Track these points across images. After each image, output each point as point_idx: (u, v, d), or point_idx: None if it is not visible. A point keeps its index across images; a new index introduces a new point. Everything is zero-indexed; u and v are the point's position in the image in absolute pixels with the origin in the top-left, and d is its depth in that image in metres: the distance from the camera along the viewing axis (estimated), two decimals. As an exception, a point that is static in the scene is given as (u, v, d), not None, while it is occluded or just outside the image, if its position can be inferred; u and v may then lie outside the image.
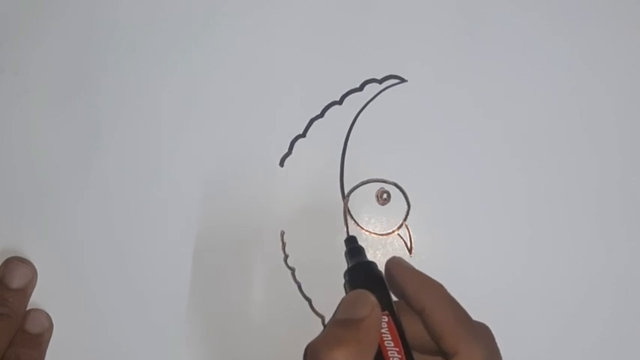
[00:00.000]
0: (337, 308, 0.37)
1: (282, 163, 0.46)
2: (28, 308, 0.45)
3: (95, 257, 0.46)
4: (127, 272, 0.46)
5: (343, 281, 0.43)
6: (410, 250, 0.46)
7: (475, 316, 0.45)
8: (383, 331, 0.36)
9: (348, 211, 0.46)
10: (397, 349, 0.35)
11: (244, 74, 0.47)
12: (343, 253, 0.44)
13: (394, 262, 0.39)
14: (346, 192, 0.47)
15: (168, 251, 0.46)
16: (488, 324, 0.45)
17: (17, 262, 0.45)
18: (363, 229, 0.46)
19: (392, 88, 0.47)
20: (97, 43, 0.48)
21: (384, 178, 0.47)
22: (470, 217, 0.47)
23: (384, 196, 0.47)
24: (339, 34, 0.48)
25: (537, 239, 0.47)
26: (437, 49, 0.48)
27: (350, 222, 0.46)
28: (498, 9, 0.48)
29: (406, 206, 0.47)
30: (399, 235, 0.46)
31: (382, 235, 0.46)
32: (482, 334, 0.37)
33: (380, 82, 0.47)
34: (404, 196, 0.47)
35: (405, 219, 0.47)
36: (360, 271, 0.40)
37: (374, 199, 0.47)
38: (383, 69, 0.47)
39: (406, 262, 0.40)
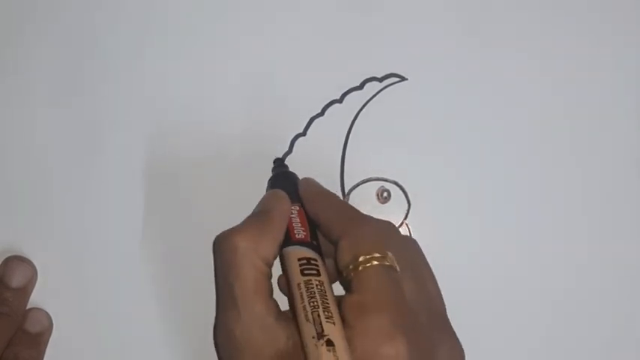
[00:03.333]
0: None
1: (282, 162, 0.47)
2: (27, 307, 0.45)
3: (96, 256, 0.46)
4: (128, 271, 0.46)
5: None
6: (410, 249, 0.46)
7: (475, 314, 0.46)
8: (293, 216, 0.39)
9: (349, 209, 0.46)
10: (303, 229, 0.39)
11: (244, 73, 0.47)
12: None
13: (302, 180, 0.42)
14: (346, 190, 0.47)
15: (169, 250, 0.46)
16: (488, 322, 0.46)
17: (17, 261, 0.45)
18: (363, 227, 0.46)
19: (392, 86, 0.47)
20: (97, 42, 0.48)
21: (385, 176, 0.47)
22: (470, 216, 0.47)
23: (385, 194, 0.47)
24: (339, 33, 0.48)
25: (538, 238, 0.47)
26: (437, 48, 0.48)
27: (350, 220, 0.46)
28: (499, 7, 0.48)
29: (406, 205, 0.47)
30: (399, 233, 0.46)
31: (382, 233, 0.46)
32: (371, 219, 0.38)
33: (380, 80, 0.47)
34: (404, 194, 0.47)
35: (405, 217, 0.47)
36: (278, 177, 0.44)
37: (374, 197, 0.47)
38: (383, 67, 0.47)
39: (314, 181, 0.42)
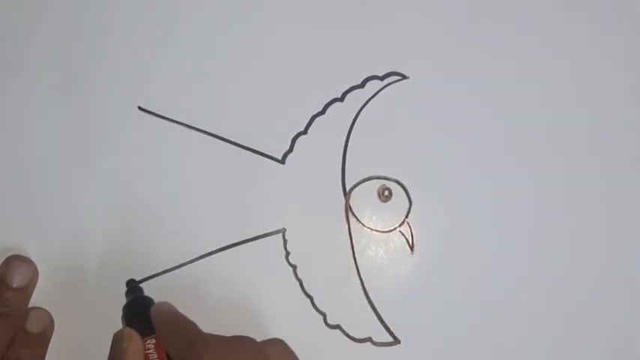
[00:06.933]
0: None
1: (283, 160, 0.46)
2: (29, 306, 0.45)
3: (95, 256, 0.46)
4: (127, 270, 0.46)
5: (344, 279, 0.43)
6: (412, 248, 0.46)
7: (475, 313, 0.46)
8: (150, 352, 0.39)
9: (350, 208, 0.46)
10: None
11: (245, 71, 0.47)
12: (345, 250, 0.45)
13: (153, 310, 0.41)
14: (348, 189, 0.47)
15: (169, 248, 0.46)
16: (487, 322, 0.46)
17: (18, 261, 0.44)
18: (364, 226, 0.46)
19: (393, 84, 0.47)
20: (95, 39, 0.48)
21: (386, 174, 0.47)
22: (472, 214, 0.47)
23: (386, 193, 0.47)
24: (340, 31, 0.48)
25: (540, 237, 0.47)
26: (438, 46, 0.48)
27: (351, 219, 0.46)
28: (500, 6, 0.48)
29: (408, 203, 0.47)
30: (400, 232, 0.46)
31: (384, 232, 0.46)
32: (211, 343, 0.37)
33: (381, 78, 0.47)
34: (405, 193, 0.47)
35: (406, 216, 0.47)
36: (131, 307, 0.43)
37: (375, 196, 0.47)
38: (384, 65, 0.47)
39: (167, 307, 0.42)
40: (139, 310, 0.42)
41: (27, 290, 0.44)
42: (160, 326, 0.40)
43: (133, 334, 0.39)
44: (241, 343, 0.37)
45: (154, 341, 0.39)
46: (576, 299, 0.46)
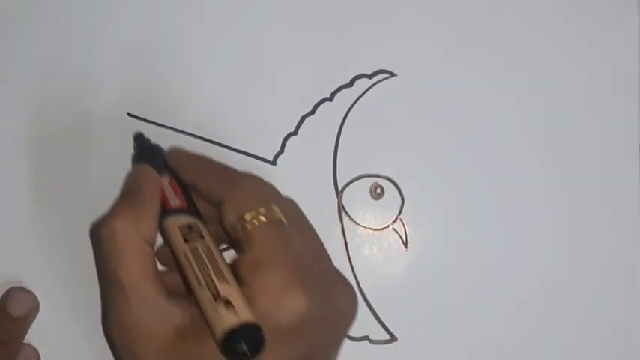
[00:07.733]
0: None
1: (274, 162, 0.47)
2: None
3: (87, 263, 0.46)
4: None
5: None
6: (405, 244, 0.46)
7: (472, 309, 0.46)
8: (165, 188, 0.39)
9: (342, 207, 0.47)
10: (178, 197, 0.39)
11: (233, 73, 0.47)
12: (339, 249, 0.45)
13: (169, 150, 0.42)
14: (340, 188, 0.47)
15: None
16: (484, 318, 0.46)
17: (20, 290, 0.44)
18: (357, 224, 0.46)
19: (382, 82, 0.47)
20: (87, 47, 0.48)
21: (377, 172, 0.47)
22: (464, 210, 0.47)
23: (378, 190, 0.47)
24: (328, 30, 0.48)
25: (534, 232, 0.46)
26: (425, 42, 0.48)
27: (344, 218, 0.46)
28: (500, 3, 0.48)
29: (400, 200, 0.47)
30: (394, 229, 0.46)
31: (377, 229, 0.46)
32: (250, 177, 0.39)
33: (370, 77, 0.47)
34: (398, 190, 0.47)
35: (399, 213, 0.47)
36: (141, 153, 0.43)
37: (368, 194, 0.47)
38: (372, 64, 0.47)
39: (183, 149, 0.43)
40: (150, 153, 0.43)
41: (27, 320, 0.44)
42: (180, 163, 0.40)
43: (151, 170, 0.39)
44: (272, 185, 0.39)
45: (167, 179, 0.40)
46: (576, 299, 0.46)
